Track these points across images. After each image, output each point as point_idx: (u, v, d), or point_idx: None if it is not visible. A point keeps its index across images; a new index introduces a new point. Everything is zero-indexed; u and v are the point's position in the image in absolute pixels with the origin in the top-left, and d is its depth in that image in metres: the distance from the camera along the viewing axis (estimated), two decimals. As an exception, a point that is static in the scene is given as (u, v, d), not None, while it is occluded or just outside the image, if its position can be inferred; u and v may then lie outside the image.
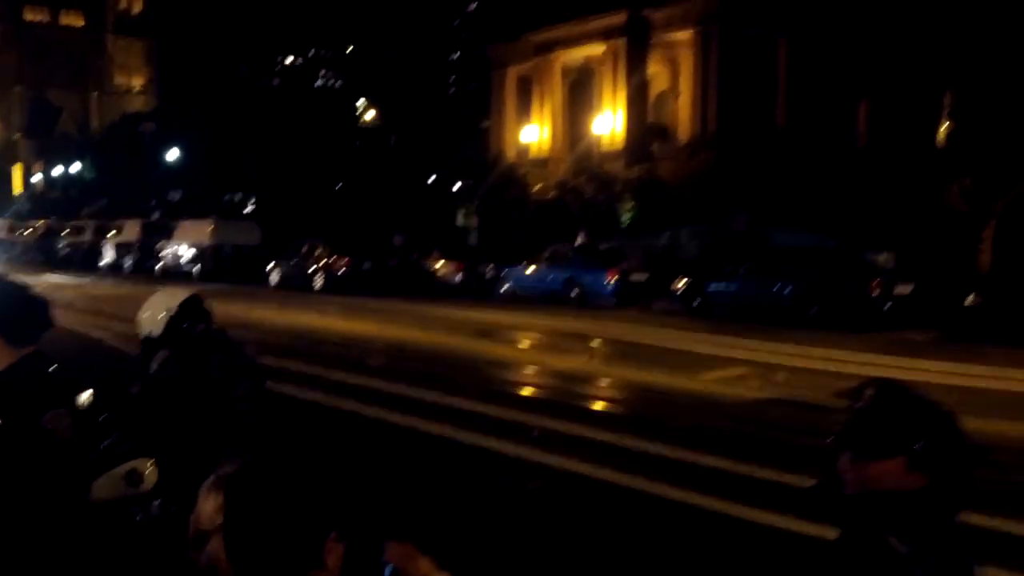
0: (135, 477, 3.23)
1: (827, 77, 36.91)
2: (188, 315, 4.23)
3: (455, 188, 48.88)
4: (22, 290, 3.36)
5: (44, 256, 45.72)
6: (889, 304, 18.71)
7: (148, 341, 4.25)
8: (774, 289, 20.09)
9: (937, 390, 11.93)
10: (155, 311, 4.28)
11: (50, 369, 3.29)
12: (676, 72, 44.68)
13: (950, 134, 27.60)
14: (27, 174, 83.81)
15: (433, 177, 54.07)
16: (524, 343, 17.26)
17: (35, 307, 3.35)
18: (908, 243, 24.14)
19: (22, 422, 3.01)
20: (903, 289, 19.07)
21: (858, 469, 2.09)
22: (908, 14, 32.14)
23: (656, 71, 45.16)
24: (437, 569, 2.05)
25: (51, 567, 2.91)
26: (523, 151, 48.20)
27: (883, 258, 22.92)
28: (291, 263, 31.26)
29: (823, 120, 36.29)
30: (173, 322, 4.22)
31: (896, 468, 2.06)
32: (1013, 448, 8.96)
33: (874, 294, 18.61)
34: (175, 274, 33.72)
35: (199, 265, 34.33)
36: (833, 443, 2.13)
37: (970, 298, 17.34)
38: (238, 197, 67.08)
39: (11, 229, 53.77)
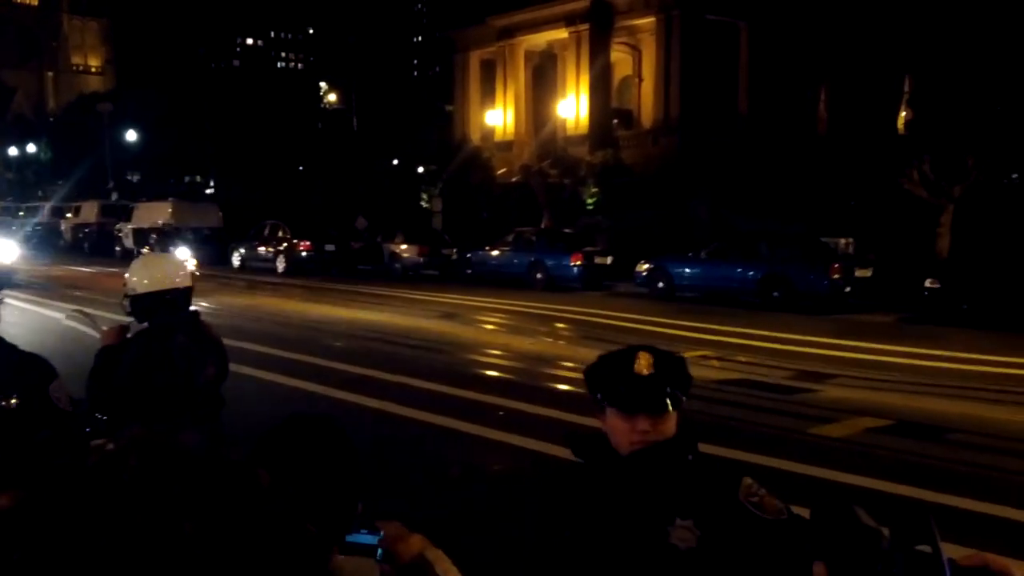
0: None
1: (787, 63, 37.19)
2: (167, 302, 4.16)
3: (419, 171, 48.69)
4: None
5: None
6: (849, 288, 19.00)
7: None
8: (737, 272, 20.31)
9: (896, 371, 12.14)
10: (147, 275, 4.21)
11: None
12: (639, 58, 44.79)
13: (909, 120, 27.99)
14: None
15: (397, 160, 53.79)
16: (488, 325, 17.27)
17: None
18: (867, 228, 24.48)
19: (35, 396, 3.06)
20: (863, 273, 19.39)
21: None
22: (867, 1, 32.46)
23: (619, 57, 45.21)
24: (431, 545, 1.96)
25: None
26: (488, 134, 48.07)
27: (843, 243, 23.25)
28: (253, 245, 31.00)
29: (784, 106, 36.60)
30: (150, 298, 4.16)
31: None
32: (967, 428, 9.14)
33: (834, 278, 18.87)
34: (135, 256, 33.20)
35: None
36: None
37: (928, 282, 17.63)
38: (198, 179, 66.23)
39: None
